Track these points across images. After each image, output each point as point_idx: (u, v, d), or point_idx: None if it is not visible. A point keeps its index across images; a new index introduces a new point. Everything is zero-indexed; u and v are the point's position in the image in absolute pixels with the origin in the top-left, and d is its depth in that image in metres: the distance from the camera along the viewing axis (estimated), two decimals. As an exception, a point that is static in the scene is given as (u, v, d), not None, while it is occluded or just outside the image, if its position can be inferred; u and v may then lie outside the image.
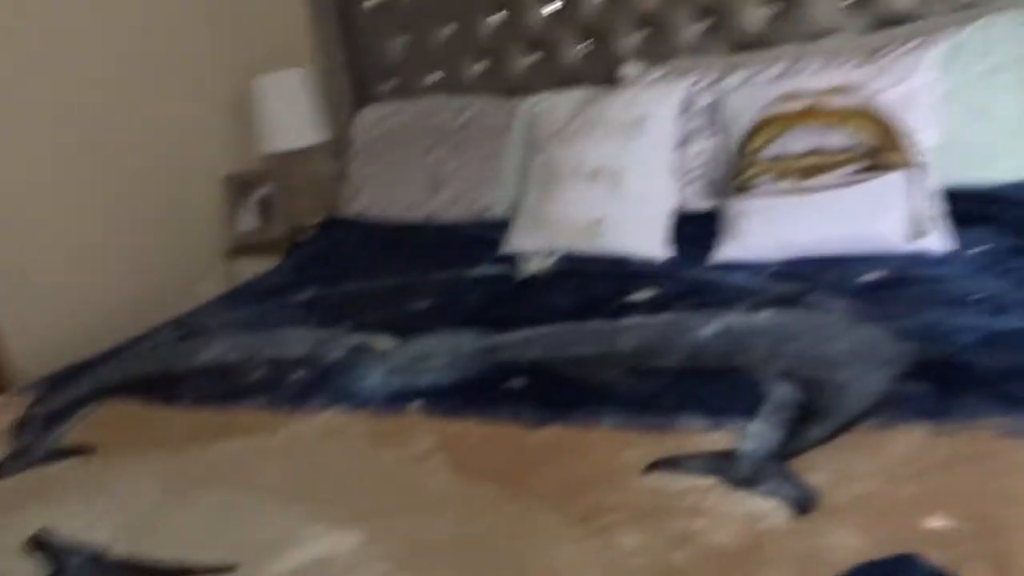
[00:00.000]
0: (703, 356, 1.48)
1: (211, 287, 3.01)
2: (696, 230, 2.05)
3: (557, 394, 1.43)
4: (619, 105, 2.16)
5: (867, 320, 1.48)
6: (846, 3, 2.29)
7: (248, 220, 3.11)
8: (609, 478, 1.15)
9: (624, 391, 1.40)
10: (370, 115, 2.92)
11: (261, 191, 3.13)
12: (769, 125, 1.92)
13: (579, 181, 2.13)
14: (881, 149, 1.79)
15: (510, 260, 2.19)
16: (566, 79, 2.72)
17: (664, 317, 1.67)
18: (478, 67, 2.86)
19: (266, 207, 3.12)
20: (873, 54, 1.99)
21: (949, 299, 1.50)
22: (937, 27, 2.05)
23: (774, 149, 1.89)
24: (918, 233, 1.72)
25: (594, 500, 1.10)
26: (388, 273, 2.30)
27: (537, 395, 1.44)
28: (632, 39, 2.59)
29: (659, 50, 2.55)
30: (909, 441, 1.09)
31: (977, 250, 1.69)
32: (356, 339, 1.89)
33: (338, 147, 3.09)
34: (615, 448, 1.22)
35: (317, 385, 1.68)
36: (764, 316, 1.57)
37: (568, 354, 1.59)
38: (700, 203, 2.14)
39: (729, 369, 1.41)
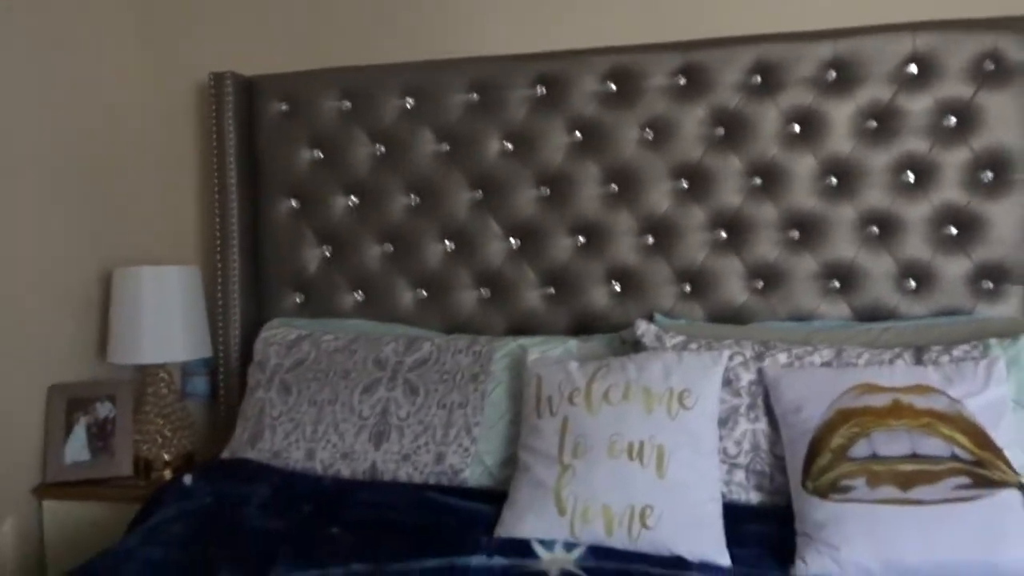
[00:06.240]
0: None
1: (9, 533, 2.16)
2: (751, 530, 1.75)
3: None
4: (655, 374, 1.86)
5: None
6: (828, 290, 2.27)
7: (76, 449, 2.30)
8: None
9: None
10: (277, 335, 2.37)
11: (98, 413, 2.36)
12: (851, 419, 1.73)
13: (615, 459, 1.76)
14: (982, 463, 1.64)
15: (515, 547, 1.73)
16: (520, 323, 2.42)
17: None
18: (410, 295, 2.47)
19: (102, 435, 2.35)
20: (919, 354, 1.91)
21: None
22: (930, 329, 2.06)
23: (863, 448, 1.69)
24: (1040, 565, 1.56)
25: None
26: (337, 556, 1.70)
27: None
28: (600, 292, 2.38)
29: (632, 308, 2.36)
30: None
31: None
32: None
33: (222, 369, 2.46)
34: None
35: None
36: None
37: None
38: (747, 496, 1.87)
39: None
